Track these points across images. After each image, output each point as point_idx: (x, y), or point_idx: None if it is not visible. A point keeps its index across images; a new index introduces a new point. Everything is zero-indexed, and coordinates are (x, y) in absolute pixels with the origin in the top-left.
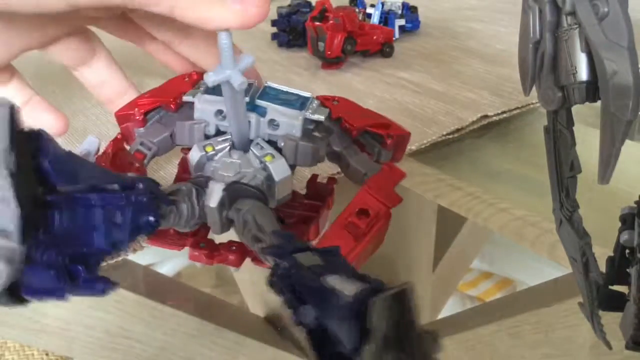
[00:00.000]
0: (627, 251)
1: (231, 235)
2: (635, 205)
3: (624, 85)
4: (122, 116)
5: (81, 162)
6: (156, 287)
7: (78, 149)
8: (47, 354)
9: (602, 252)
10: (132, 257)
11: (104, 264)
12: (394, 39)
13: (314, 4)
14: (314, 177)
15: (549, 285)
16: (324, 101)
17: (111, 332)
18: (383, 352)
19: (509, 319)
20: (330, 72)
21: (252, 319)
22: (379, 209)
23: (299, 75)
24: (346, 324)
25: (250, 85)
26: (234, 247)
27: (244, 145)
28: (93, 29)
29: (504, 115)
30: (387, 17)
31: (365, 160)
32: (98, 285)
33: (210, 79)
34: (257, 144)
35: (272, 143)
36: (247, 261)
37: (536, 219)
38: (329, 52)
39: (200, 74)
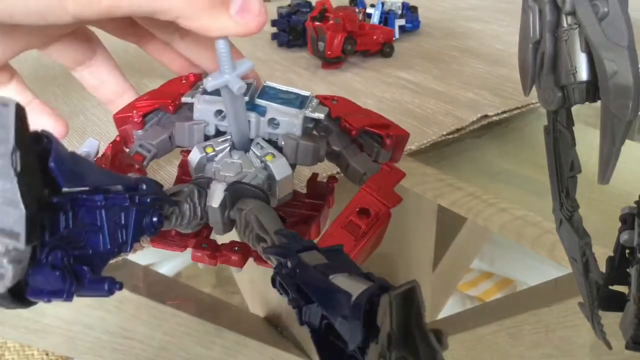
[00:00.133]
0: (627, 251)
1: (233, 235)
2: (635, 205)
3: (624, 85)
4: (121, 119)
5: (85, 163)
6: (156, 287)
7: (78, 150)
8: (47, 354)
9: (602, 252)
10: (132, 257)
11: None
12: (394, 39)
13: (314, 4)
14: (314, 176)
15: (549, 285)
16: (323, 100)
17: (111, 332)
18: (389, 350)
19: (509, 319)
20: (330, 72)
21: (252, 319)
22: (379, 209)
23: (299, 75)
24: (353, 322)
25: (249, 84)
26: (236, 248)
27: (244, 145)
28: (92, 28)
29: (504, 115)
30: (387, 17)
31: (365, 160)
32: (104, 285)
33: (209, 84)
34: (258, 143)
35: (272, 142)
36: (248, 261)
37: (536, 219)
38: (329, 52)
39: (198, 76)
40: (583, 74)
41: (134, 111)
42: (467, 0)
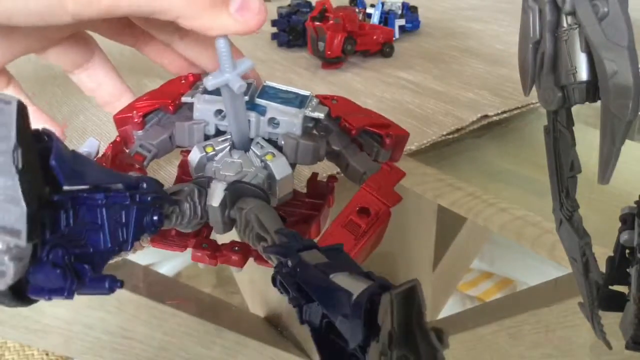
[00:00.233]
0: (627, 251)
1: (233, 235)
2: (635, 205)
3: (624, 85)
4: (121, 119)
5: (86, 161)
6: (156, 287)
7: (78, 150)
8: (47, 354)
9: (602, 252)
10: (132, 257)
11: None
12: (394, 39)
13: (314, 4)
14: (314, 175)
15: (549, 285)
16: (323, 100)
17: (111, 332)
18: (390, 349)
19: (509, 319)
20: (330, 72)
21: (252, 319)
22: (379, 208)
23: (299, 75)
24: (353, 321)
25: (249, 84)
26: (236, 248)
27: (244, 145)
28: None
29: (504, 115)
30: (387, 17)
31: (365, 159)
32: (105, 283)
33: (209, 83)
34: (258, 143)
35: (272, 142)
36: (248, 261)
37: (536, 219)
38: (329, 52)
39: (197, 76)
40: (583, 74)
41: (134, 111)
42: (467, 0)
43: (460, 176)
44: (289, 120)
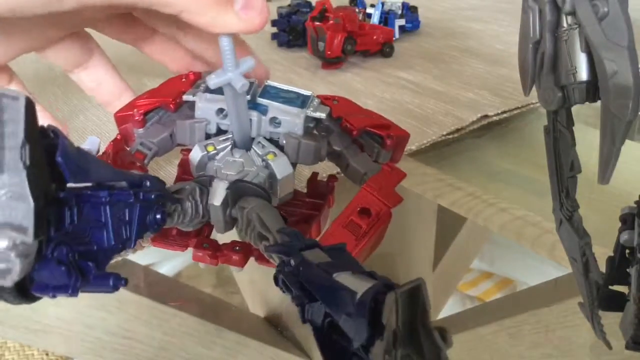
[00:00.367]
0: (627, 251)
1: (233, 235)
2: (635, 205)
3: (624, 85)
4: (122, 117)
5: (91, 159)
6: (157, 288)
7: None
8: (47, 354)
9: (602, 252)
10: (132, 257)
11: (113, 261)
12: (394, 39)
13: (314, 4)
14: (315, 175)
15: (549, 285)
16: (324, 100)
17: (111, 332)
18: (395, 347)
19: (509, 319)
20: (330, 72)
21: (252, 319)
22: (380, 209)
23: (299, 75)
24: (358, 320)
25: (251, 83)
26: (237, 247)
27: (245, 144)
28: (89, 31)
29: (504, 115)
30: (387, 17)
31: (366, 160)
32: (109, 281)
33: (212, 82)
34: (259, 142)
35: (273, 141)
36: (248, 261)
37: (536, 219)
38: (329, 52)
39: (198, 74)
40: (583, 74)
41: (135, 110)
42: (467, 0)
43: (460, 176)
44: (291, 120)
